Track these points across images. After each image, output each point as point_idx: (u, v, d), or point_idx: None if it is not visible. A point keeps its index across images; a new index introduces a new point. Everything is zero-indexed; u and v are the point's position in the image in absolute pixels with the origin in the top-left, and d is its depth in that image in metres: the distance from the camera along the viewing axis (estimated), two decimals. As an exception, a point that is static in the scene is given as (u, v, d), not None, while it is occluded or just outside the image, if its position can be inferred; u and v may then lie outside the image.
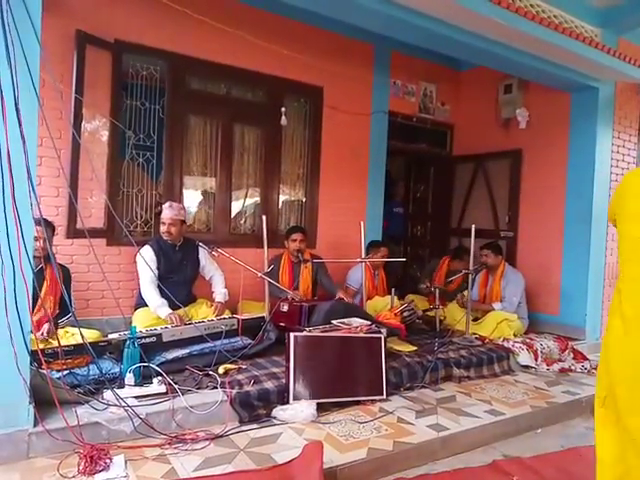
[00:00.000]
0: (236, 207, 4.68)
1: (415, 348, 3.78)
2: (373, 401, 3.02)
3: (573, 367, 4.06)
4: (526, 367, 3.97)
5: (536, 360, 4.01)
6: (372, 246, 4.70)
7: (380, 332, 3.27)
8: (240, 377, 2.87)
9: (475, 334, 4.34)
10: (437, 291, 4.40)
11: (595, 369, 4.03)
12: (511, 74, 4.97)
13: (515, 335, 4.36)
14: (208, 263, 3.78)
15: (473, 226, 4.38)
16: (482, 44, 3.75)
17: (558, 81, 4.59)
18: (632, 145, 5.22)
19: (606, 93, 4.76)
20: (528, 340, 4.25)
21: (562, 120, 4.96)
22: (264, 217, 3.63)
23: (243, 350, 3.21)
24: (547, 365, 4.01)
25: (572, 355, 4.22)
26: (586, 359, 4.19)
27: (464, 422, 2.85)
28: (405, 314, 4.12)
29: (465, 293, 4.56)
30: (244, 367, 3.05)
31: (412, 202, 7.00)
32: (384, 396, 3.06)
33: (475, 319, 4.62)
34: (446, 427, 2.76)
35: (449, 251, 5.59)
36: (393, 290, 4.29)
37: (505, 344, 4.09)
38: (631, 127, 5.17)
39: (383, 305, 4.33)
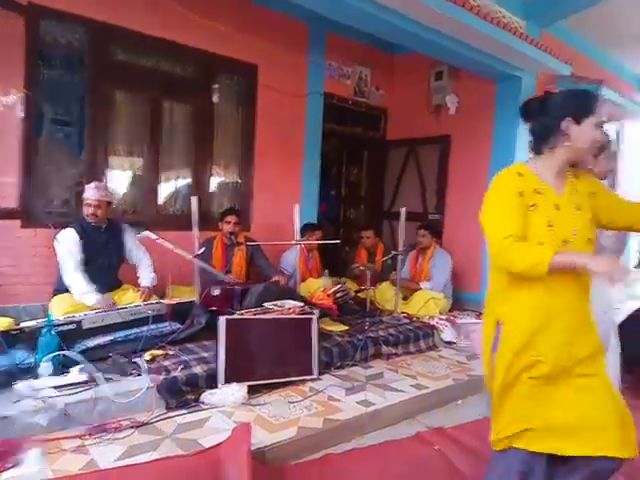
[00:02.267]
0: (165, 188, 4.50)
1: (347, 328, 3.87)
2: (304, 381, 3.06)
3: (492, 342, 4.32)
4: (449, 343, 4.18)
5: (459, 336, 4.23)
6: (307, 229, 4.72)
7: (312, 313, 3.31)
8: (167, 363, 2.81)
9: (404, 313, 4.50)
10: (368, 272, 4.51)
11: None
12: (442, 61, 5.10)
13: (440, 313, 4.58)
14: (134, 246, 3.62)
15: (403, 209, 4.50)
16: (414, 28, 3.80)
17: (485, 69, 4.77)
18: (550, 134, 5.55)
19: (528, 83, 5.00)
20: (452, 317, 4.48)
21: (488, 107, 5.18)
22: (194, 198, 3.52)
23: (171, 335, 3.13)
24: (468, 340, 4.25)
25: (492, 331, 4.49)
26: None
27: (391, 397, 2.96)
28: (338, 295, 4.20)
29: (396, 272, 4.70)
30: (172, 353, 2.97)
31: (345, 185, 7.09)
32: (315, 375, 3.11)
33: (404, 298, 4.79)
34: (374, 402, 2.86)
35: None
36: (327, 272, 4.34)
37: (431, 322, 4.29)
38: (549, 117, 5.49)
39: (317, 287, 4.37)
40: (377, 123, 6.26)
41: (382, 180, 6.37)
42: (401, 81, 6.08)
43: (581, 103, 1.57)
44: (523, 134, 5.05)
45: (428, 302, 4.59)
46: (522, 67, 4.71)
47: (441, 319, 4.38)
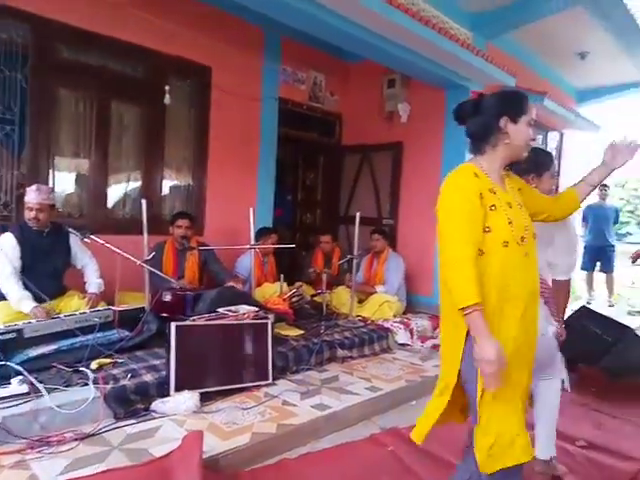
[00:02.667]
0: (114, 191, 4.35)
1: (302, 332, 3.86)
2: (259, 386, 3.03)
3: (444, 343, 4.44)
4: (403, 345, 4.26)
5: (412, 338, 4.32)
6: (262, 233, 4.68)
7: (267, 318, 3.28)
8: (115, 371, 2.71)
9: (359, 316, 4.55)
10: (324, 276, 4.53)
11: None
12: (394, 69, 5.22)
13: (395, 316, 4.66)
14: (80, 251, 3.48)
15: (357, 214, 4.56)
16: (366, 36, 3.87)
17: (434, 78, 4.92)
18: (496, 142, 5.78)
19: (475, 93, 5.20)
20: (406, 320, 4.57)
21: (438, 116, 5.33)
22: (144, 201, 3.42)
23: (120, 343, 3.02)
24: (421, 342, 4.34)
25: (443, 332, 4.61)
26: (455, 335, 4.61)
27: (346, 400, 2.98)
28: (294, 299, 4.19)
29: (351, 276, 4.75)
30: (121, 361, 2.87)
31: (302, 190, 7.11)
32: (270, 381, 3.09)
33: (360, 301, 4.85)
34: (329, 406, 2.86)
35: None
36: (282, 276, 4.33)
37: (385, 324, 4.36)
38: (496, 125, 5.72)
39: (272, 291, 4.34)
40: (332, 129, 6.32)
41: (338, 185, 6.43)
42: (355, 88, 6.17)
43: (515, 102, 1.63)
44: (472, 141, 5.24)
45: (383, 305, 4.66)
46: (469, 77, 4.89)
47: (395, 322, 4.45)
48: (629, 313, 7.25)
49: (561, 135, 7.25)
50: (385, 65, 4.93)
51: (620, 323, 4.25)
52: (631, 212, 24.17)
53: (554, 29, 5.28)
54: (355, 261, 4.57)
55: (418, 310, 5.20)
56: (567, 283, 2.30)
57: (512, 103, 1.63)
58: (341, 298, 4.83)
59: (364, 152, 6.10)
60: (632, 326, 5.43)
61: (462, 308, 1.42)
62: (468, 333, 1.50)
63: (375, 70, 5.55)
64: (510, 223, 1.55)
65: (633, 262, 4.32)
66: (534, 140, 1.71)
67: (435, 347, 4.35)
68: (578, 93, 7.59)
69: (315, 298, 4.76)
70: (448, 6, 4.76)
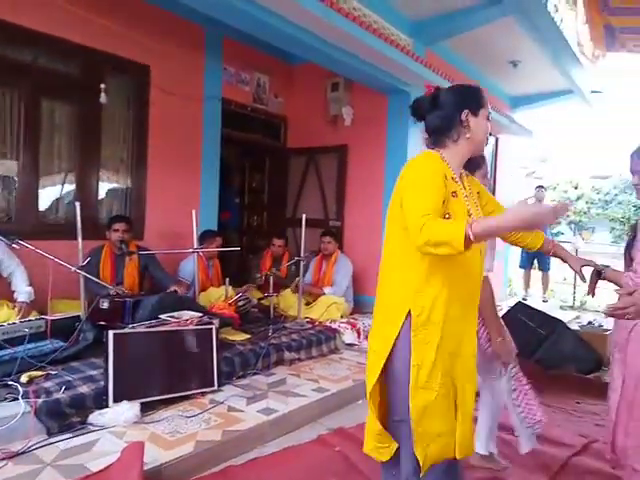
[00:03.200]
0: (46, 194, 4.12)
1: (249, 336, 3.81)
2: (204, 393, 2.95)
3: (390, 342, 4.52)
4: (350, 345, 4.30)
5: (359, 338, 4.37)
6: (206, 236, 4.58)
7: (212, 323, 3.21)
8: (48, 384, 2.55)
9: (307, 318, 4.55)
10: (271, 279, 4.49)
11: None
12: (337, 73, 5.28)
13: (342, 317, 4.70)
14: (7, 257, 3.27)
15: (304, 216, 4.56)
16: (308, 39, 3.89)
17: (376, 82, 5.02)
18: (437, 145, 5.98)
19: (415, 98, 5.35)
20: (352, 320, 4.62)
21: (381, 119, 5.45)
22: (77, 204, 3.25)
23: (53, 354, 2.85)
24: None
25: (389, 331, 4.70)
26: (400, 334, 4.71)
27: (293, 402, 2.96)
28: (240, 303, 4.12)
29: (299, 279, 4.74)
30: (54, 373, 2.70)
31: (249, 192, 7.04)
32: (215, 387, 3.02)
33: (307, 304, 4.85)
34: (276, 410, 2.84)
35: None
36: (227, 280, 4.25)
37: (333, 325, 4.38)
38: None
39: (217, 296, 4.26)
40: (277, 131, 6.30)
41: (284, 187, 6.41)
42: (300, 90, 6.19)
43: (475, 95, 1.63)
44: (414, 145, 5.39)
45: (330, 307, 4.68)
46: (409, 82, 5.03)
47: (342, 322, 4.49)
48: (561, 307, 7.72)
49: (496, 139, 7.61)
50: (328, 68, 4.97)
51: (553, 317, 4.52)
52: (561, 213, 25.63)
53: (488, 38, 5.53)
54: (302, 263, 4.57)
55: (365, 310, 5.27)
56: (488, 279, 2.34)
57: (472, 96, 1.62)
58: (288, 301, 4.81)
59: (310, 154, 6.13)
60: (564, 319, 5.78)
61: (466, 240, 1.29)
62: (402, 329, 1.50)
63: (319, 73, 5.59)
64: (470, 215, 1.54)
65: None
66: (491, 134, 1.72)
67: (381, 346, 4.42)
68: (511, 100, 7.99)
69: (262, 301, 4.71)
70: (389, 12, 4.88)
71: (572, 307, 7.86)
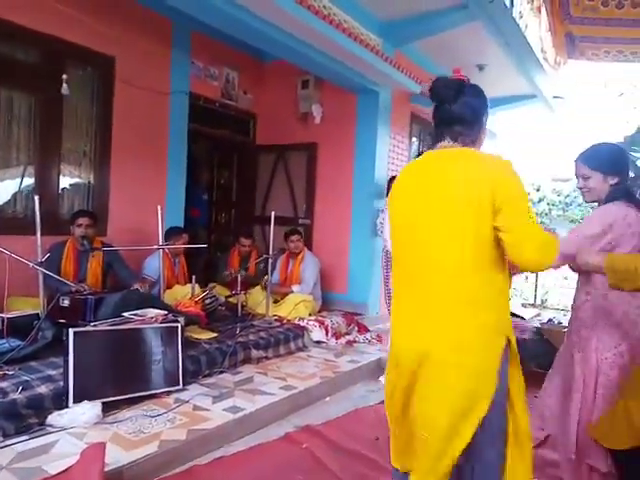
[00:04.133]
0: (3, 187, 3.95)
1: (215, 335, 3.76)
2: (169, 392, 2.90)
3: (357, 339, 4.57)
4: (318, 342, 4.31)
5: (327, 335, 4.38)
6: (172, 233, 4.49)
7: (177, 321, 3.15)
8: (4, 385, 2.44)
9: (275, 316, 4.53)
10: (239, 277, 4.45)
11: (375, 339, 4.61)
12: (307, 70, 5.27)
13: (310, 314, 4.70)
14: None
15: (273, 213, 4.54)
16: (279, 36, 3.87)
17: (345, 81, 5.04)
18: (404, 146, 6.06)
19: (384, 98, 5.41)
20: (320, 318, 4.63)
21: (350, 118, 5.48)
22: (37, 198, 3.12)
23: (10, 354, 2.74)
24: (336, 339, 4.42)
25: (357, 328, 4.75)
26: (368, 330, 4.77)
27: (260, 400, 2.94)
28: (207, 301, 4.06)
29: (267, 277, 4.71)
30: (10, 373, 2.60)
31: (217, 189, 6.95)
32: (181, 386, 2.97)
33: (276, 301, 4.83)
34: (242, 408, 2.81)
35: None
36: (194, 278, 4.18)
37: (301, 323, 4.38)
38: (403, 130, 6.00)
39: (183, 294, 4.18)
40: (246, 127, 6.24)
41: (253, 185, 6.36)
42: (270, 87, 6.15)
43: (487, 102, 1.51)
44: (383, 144, 5.45)
45: (299, 305, 4.68)
46: (378, 82, 5.08)
47: (310, 320, 4.49)
48: (523, 305, 7.95)
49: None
50: (298, 65, 4.96)
51: (515, 314, 4.64)
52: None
53: (456, 41, 5.63)
54: (270, 261, 4.54)
55: (333, 308, 5.29)
56: None
57: (486, 101, 1.51)
58: (256, 299, 4.78)
59: (279, 152, 6.10)
60: (525, 316, 5.95)
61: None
62: (502, 362, 1.32)
63: (289, 70, 5.56)
64: None
65: None
66: None
67: (349, 342, 4.46)
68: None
69: (230, 299, 4.66)
70: (359, 12, 4.90)
71: (533, 305, 8.12)
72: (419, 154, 3.84)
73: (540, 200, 18.76)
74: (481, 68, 6.51)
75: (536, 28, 5.88)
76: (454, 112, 1.43)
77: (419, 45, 5.73)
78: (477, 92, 1.48)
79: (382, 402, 2.95)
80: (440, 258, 1.35)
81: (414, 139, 6.34)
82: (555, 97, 7.69)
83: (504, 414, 1.34)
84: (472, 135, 1.46)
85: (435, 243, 1.36)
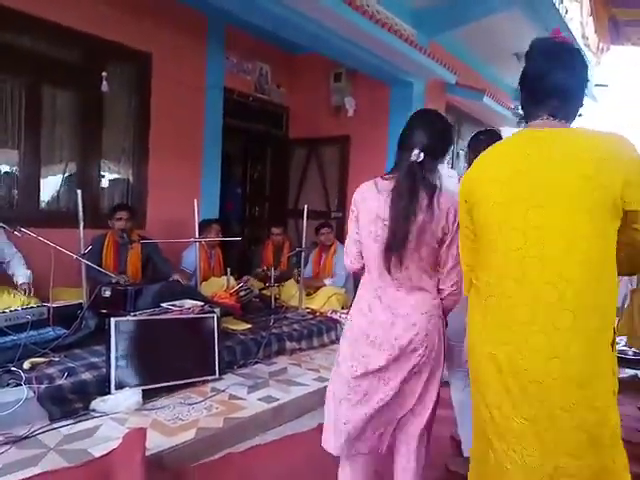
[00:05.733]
0: (47, 182, 4.11)
1: (250, 326, 3.82)
2: (205, 381, 2.97)
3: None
4: (351, 335, 4.30)
5: (359, 328, 4.37)
6: (203, 225, 4.57)
7: (213, 312, 3.22)
8: (51, 371, 2.56)
9: (308, 308, 4.56)
10: (272, 271, 4.50)
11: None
12: (340, 62, 5.25)
13: (343, 307, 4.70)
14: (7, 246, 3.27)
15: (305, 207, 4.56)
16: (313, 28, 3.88)
17: (380, 73, 5.00)
18: (439, 137, 5.96)
19: (418, 88, 5.33)
20: (354, 311, 4.61)
21: (383, 110, 5.43)
22: (79, 192, 3.24)
23: (55, 341, 2.86)
24: (369, 332, 4.41)
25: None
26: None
27: (294, 391, 2.98)
28: (241, 293, 4.13)
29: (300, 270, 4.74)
30: (56, 360, 2.72)
31: (250, 183, 7.02)
32: (217, 375, 3.03)
33: (308, 294, 4.85)
34: (277, 398, 2.85)
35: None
36: (229, 270, 4.25)
37: (333, 316, 4.39)
38: (438, 121, 5.90)
39: (219, 286, 4.26)
40: (279, 121, 6.28)
41: (286, 178, 6.40)
42: (302, 80, 6.16)
43: (587, 66, 1.29)
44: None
45: (331, 298, 4.69)
46: (413, 73, 5.01)
47: (343, 313, 4.49)
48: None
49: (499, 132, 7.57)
50: (331, 58, 4.95)
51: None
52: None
53: (492, 30, 5.49)
54: (304, 254, 4.57)
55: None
56: None
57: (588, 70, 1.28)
58: (289, 291, 4.82)
59: (312, 145, 6.11)
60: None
61: None
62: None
63: (322, 63, 5.56)
64: None
65: None
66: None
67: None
68: (515, 92, 7.94)
69: (264, 292, 4.72)
70: (392, 3, 4.84)
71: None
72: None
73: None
74: (519, 57, 6.32)
75: (577, 13, 5.66)
76: (558, 82, 1.21)
77: (453, 34, 5.61)
78: (582, 58, 1.26)
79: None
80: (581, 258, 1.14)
81: (449, 130, 6.23)
82: (598, 85, 7.40)
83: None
84: (573, 109, 1.25)
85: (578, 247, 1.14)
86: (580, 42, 5.80)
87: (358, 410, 1.59)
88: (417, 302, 1.57)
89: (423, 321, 1.55)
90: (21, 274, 3.28)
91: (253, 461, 2.36)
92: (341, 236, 5.59)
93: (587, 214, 1.11)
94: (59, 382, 2.46)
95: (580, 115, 1.26)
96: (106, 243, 3.90)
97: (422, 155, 1.52)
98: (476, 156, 1.42)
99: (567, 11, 5.31)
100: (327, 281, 4.93)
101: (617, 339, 1.25)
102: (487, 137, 2.25)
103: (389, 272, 1.53)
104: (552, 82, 1.21)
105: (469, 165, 1.51)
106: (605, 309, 1.15)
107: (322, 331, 4.09)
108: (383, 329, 1.57)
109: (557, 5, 4.99)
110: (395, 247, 1.49)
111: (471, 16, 5.12)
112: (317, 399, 3.03)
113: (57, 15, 3.87)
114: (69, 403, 2.44)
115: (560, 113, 1.22)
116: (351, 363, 1.62)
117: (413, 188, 1.50)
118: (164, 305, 3.21)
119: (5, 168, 3.88)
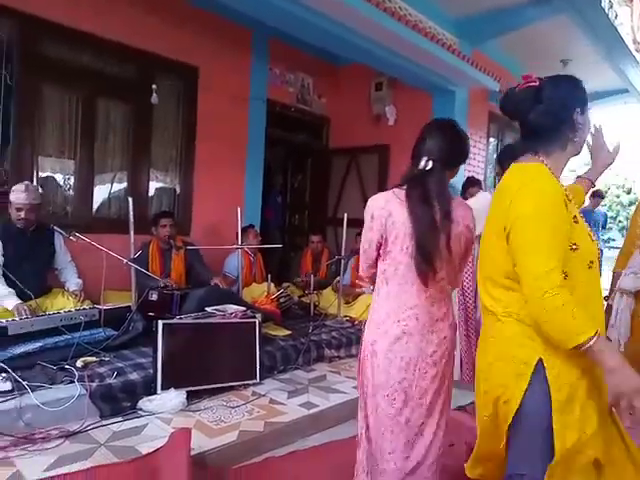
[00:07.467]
0: (100, 190, 4.32)
1: (289, 332, 3.86)
2: (246, 385, 3.02)
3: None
4: (390, 345, 4.26)
5: (399, 338, 4.33)
6: (243, 231, 4.67)
7: (255, 318, 3.28)
8: (102, 370, 2.68)
9: (347, 316, 4.56)
10: (312, 279, 4.54)
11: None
12: (382, 72, 5.28)
13: (382, 316, 4.66)
14: (62, 252, 3.46)
15: (345, 215, 4.58)
16: (353, 39, 3.92)
17: (421, 82, 4.99)
18: (482, 145, 5.88)
19: (461, 97, 5.28)
20: (393, 320, 4.58)
21: (424, 118, 5.28)
22: (130, 199, 3.39)
23: (106, 342, 2.99)
24: (408, 342, 4.36)
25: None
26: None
27: (333, 398, 2.98)
28: (281, 300, 4.19)
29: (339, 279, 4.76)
30: (106, 359, 2.84)
31: (290, 192, 7.13)
32: (257, 380, 3.08)
33: (347, 302, 4.85)
34: (316, 404, 2.87)
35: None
36: (269, 276, 4.32)
37: (372, 325, 4.36)
38: (481, 130, 5.82)
39: (260, 292, 4.34)
40: (320, 131, 6.36)
41: (326, 187, 6.46)
42: (343, 90, 6.22)
43: (582, 90, 1.35)
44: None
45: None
46: (455, 82, 4.97)
47: (381, 322, 4.46)
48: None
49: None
50: (373, 67, 4.98)
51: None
52: (613, 218, 24.64)
53: (537, 37, 5.38)
54: (343, 262, 4.59)
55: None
56: None
57: (580, 91, 1.34)
58: (328, 299, 4.83)
59: (351, 154, 6.14)
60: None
61: (579, 345, 1.12)
62: (538, 366, 1.22)
63: (362, 73, 5.60)
64: (592, 240, 1.30)
65: None
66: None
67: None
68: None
69: (303, 299, 4.76)
70: (433, 12, 4.83)
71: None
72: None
73: (631, 203, 17.36)
74: (565, 63, 6.17)
75: (627, 18, 5.48)
76: (531, 124, 1.33)
77: (497, 42, 5.53)
78: (559, 88, 1.32)
79: (458, 408, 2.90)
80: None
81: (492, 139, 6.13)
82: (650, 90, 7.11)
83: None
84: (559, 140, 1.33)
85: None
86: (631, 47, 5.60)
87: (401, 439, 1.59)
88: (445, 314, 1.61)
89: (451, 333, 1.63)
90: (73, 283, 3.46)
91: (292, 466, 2.38)
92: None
93: None
94: (109, 381, 2.57)
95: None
96: (151, 249, 4.04)
97: (430, 163, 1.54)
98: (503, 169, 1.45)
99: (617, 16, 5.14)
100: (366, 289, 4.92)
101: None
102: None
103: (426, 285, 1.53)
104: (529, 126, 1.36)
105: (498, 177, 1.55)
106: None
107: (361, 340, 4.07)
108: (419, 349, 1.57)
109: (606, 10, 4.84)
110: (428, 259, 1.49)
111: (515, 24, 5.04)
112: (356, 407, 3.03)
113: (112, 32, 4.09)
114: (118, 401, 2.54)
115: (542, 149, 1.35)
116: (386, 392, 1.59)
117: (425, 196, 1.53)
118: (208, 309, 3.30)
119: (62, 177, 4.10)
